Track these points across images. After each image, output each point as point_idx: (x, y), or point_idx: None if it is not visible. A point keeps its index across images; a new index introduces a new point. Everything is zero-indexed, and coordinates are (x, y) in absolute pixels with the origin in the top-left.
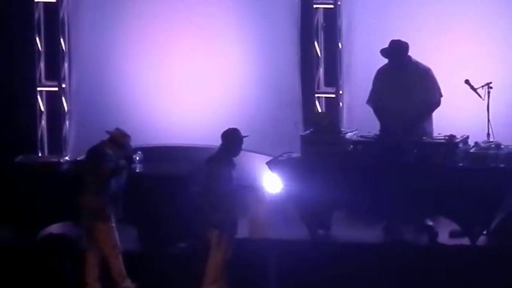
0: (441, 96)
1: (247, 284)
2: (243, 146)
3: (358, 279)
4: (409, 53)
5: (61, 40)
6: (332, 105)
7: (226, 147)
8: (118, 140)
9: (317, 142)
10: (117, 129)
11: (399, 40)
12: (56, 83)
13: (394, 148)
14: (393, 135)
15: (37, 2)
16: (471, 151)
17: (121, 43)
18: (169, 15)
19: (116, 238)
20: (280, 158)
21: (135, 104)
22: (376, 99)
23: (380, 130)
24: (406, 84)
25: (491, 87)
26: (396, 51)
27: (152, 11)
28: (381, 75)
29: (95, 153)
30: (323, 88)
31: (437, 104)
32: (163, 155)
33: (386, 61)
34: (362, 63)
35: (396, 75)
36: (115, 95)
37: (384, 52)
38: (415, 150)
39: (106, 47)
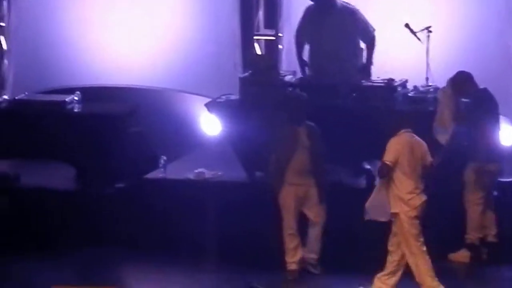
0: (374, 30)
1: (188, 225)
2: (182, 87)
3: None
4: None
5: None
6: (272, 47)
7: None
8: None
9: (256, 84)
10: None
11: None
12: None
13: (333, 91)
14: (330, 77)
15: None
16: (409, 94)
17: None
18: None
19: None
20: (218, 100)
21: (75, 44)
22: (300, 37)
23: (312, 71)
24: (334, 25)
25: (430, 31)
26: None
27: None
28: (308, 14)
29: None
30: (262, 30)
31: (375, 38)
32: (102, 95)
33: None
34: (302, 6)
35: (323, 15)
36: (55, 34)
37: None
38: (354, 94)
39: None
